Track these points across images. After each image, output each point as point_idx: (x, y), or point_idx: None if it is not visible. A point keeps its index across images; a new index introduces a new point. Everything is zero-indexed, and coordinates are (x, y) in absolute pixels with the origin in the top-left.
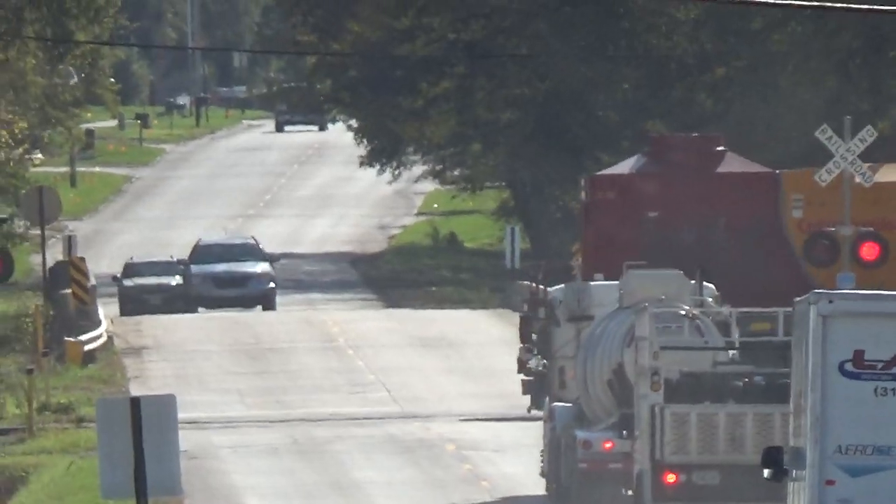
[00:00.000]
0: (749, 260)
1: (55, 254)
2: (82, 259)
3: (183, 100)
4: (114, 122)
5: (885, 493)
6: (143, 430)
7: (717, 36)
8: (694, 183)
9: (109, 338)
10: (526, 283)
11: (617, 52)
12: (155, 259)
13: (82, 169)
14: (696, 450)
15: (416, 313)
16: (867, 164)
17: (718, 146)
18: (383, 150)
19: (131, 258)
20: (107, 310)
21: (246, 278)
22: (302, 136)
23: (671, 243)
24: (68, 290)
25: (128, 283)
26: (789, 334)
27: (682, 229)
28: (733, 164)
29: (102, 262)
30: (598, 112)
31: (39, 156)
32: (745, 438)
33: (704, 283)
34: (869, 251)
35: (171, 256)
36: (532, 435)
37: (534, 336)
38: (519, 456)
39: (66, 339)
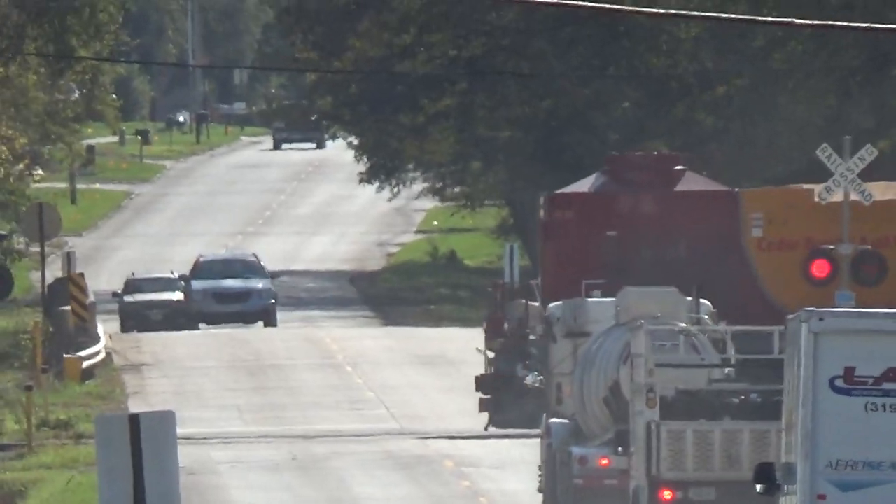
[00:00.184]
0: (708, 278)
1: (55, 270)
2: (81, 275)
3: (183, 116)
4: (114, 139)
5: None
6: (143, 447)
7: (718, 54)
8: (653, 202)
9: (108, 354)
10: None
11: (618, 70)
12: (156, 275)
13: (82, 185)
14: (692, 466)
15: (415, 331)
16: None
17: (677, 165)
18: (383, 167)
19: (132, 274)
20: (106, 326)
21: (247, 294)
22: (301, 153)
23: (630, 262)
24: (67, 307)
25: (128, 299)
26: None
27: (641, 248)
28: (692, 182)
29: (102, 279)
30: (598, 131)
31: (40, 172)
32: (740, 455)
33: (701, 300)
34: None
35: (172, 272)
36: (532, 452)
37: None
38: (518, 472)
39: (65, 355)
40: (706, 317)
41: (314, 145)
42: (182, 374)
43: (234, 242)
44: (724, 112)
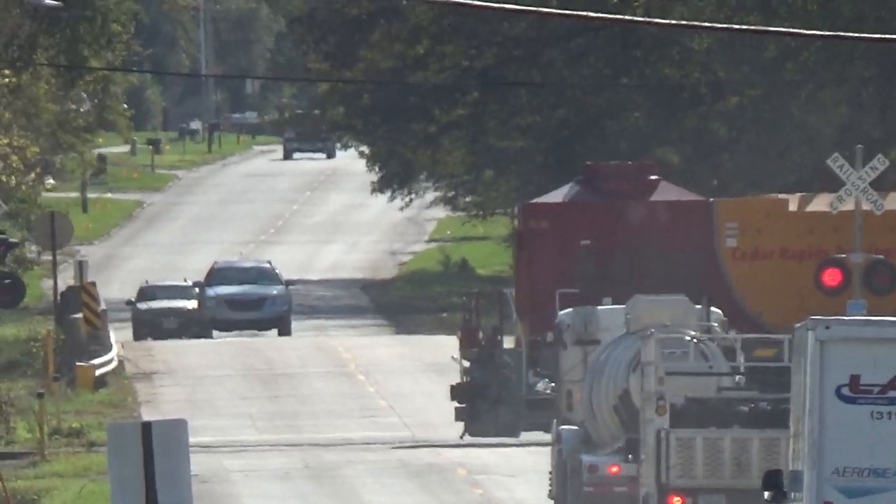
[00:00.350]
0: (682, 288)
1: (66, 279)
2: (93, 284)
3: (195, 125)
4: (126, 148)
5: None
6: (155, 455)
7: (730, 65)
8: (627, 211)
9: (120, 362)
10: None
11: (630, 80)
12: (170, 283)
13: (94, 195)
14: (702, 474)
15: (427, 339)
16: (801, 194)
17: (652, 174)
18: (395, 176)
19: (145, 282)
20: (119, 334)
21: (261, 301)
22: (313, 163)
23: (605, 272)
24: (79, 315)
25: (142, 306)
26: None
27: (616, 258)
28: (667, 192)
29: (113, 287)
30: (610, 140)
31: (51, 181)
32: (750, 463)
33: (711, 308)
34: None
35: (186, 280)
36: (544, 460)
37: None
38: (530, 481)
39: (78, 363)
40: (716, 325)
41: (324, 155)
42: (194, 383)
43: (246, 251)
44: (737, 122)
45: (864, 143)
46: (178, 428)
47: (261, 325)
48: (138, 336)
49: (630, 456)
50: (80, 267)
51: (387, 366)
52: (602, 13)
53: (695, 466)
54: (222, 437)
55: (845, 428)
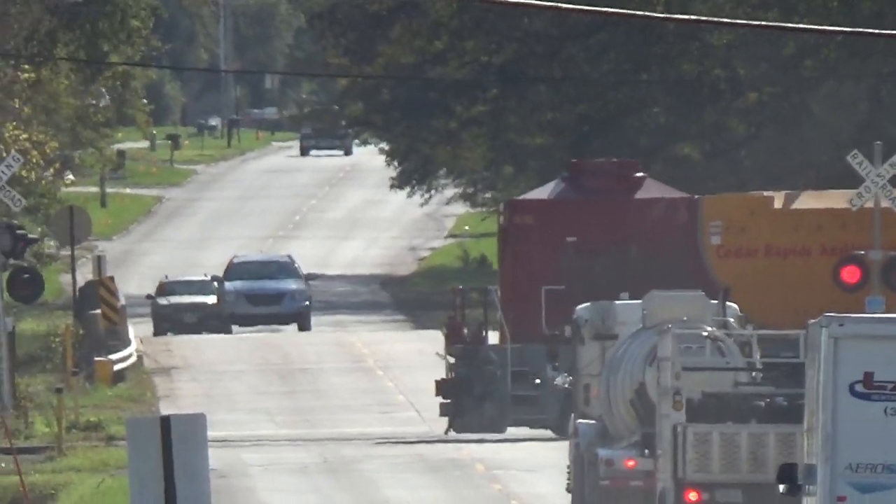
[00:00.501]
0: (666, 285)
1: (85, 274)
2: (112, 279)
3: (214, 121)
4: (145, 143)
5: None
6: (173, 449)
7: (749, 61)
8: (612, 208)
9: (139, 357)
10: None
11: (649, 76)
12: (189, 278)
13: (112, 190)
14: (719, 469)
15: None
16: (786, 192)
17: (637, 172)
18: (414, 172)
19: (165, 277)
20: (139, 329)
21: (280, 296)
22: (332, 159)
23: (589, 268)
24: (98, 310)
25: (162, 301)
26: None
27: (601, 254)
28: (652, 189)
29: (132, 283)
30: (629, 135)
31: (70, 176)
32: (767, 458)
33: (728, 303)
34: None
35: (206, 275)
36: (563, 455)
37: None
38: (549, 476)
39: (96, 358)
40: (732, 320)
41: (342, 152)
42: (212, 378)
43: (265, 247)
44: (756, 118)
45: (884, 140)
46: (196, 422)
47: (280, 320)
48: (158, 331)
49: (646, 450)
50: (99, 262)
51: (405, 361)
52: (622, 9)
53: (711, 461)
54: (240, 432)
55: (859, 424)
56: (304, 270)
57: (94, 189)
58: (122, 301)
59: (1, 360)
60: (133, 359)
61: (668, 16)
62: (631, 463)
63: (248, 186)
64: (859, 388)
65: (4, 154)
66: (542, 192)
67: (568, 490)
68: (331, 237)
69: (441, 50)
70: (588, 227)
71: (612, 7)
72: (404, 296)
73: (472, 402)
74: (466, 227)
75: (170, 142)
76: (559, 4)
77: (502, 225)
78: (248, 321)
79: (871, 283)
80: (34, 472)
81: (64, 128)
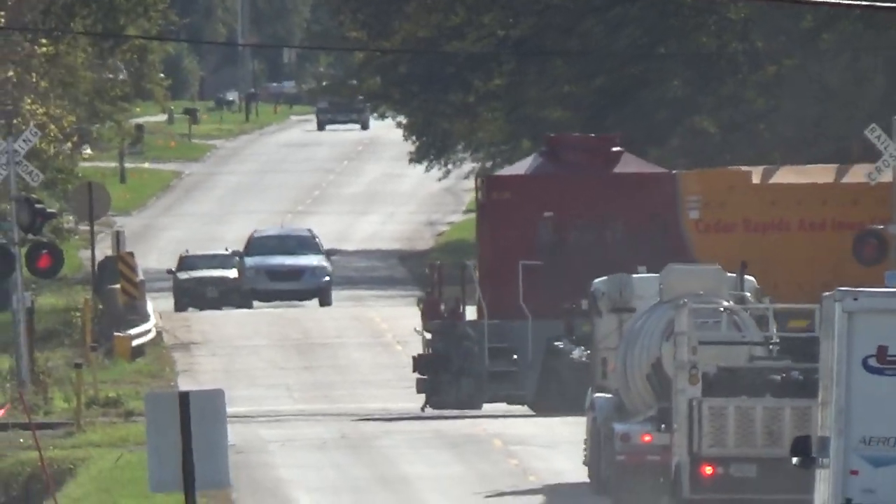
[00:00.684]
0: (645, 260)
1: (104, 249)
2: (131, 254)
3: (232, 95)
4: (163, 117)
5: None
6: (192, 424)
7: (767, 34)
8: (590, 183)
9: (158, 333)
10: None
11: (667, 50)
12: (211, 252)
13: (131, 164)
14: (734, 443)
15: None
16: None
17: (615, 146)
18: (432, 146)
19: (186, 251)
20: (159, 303)
21: (300, 271)
22: (351, 133)
23: (567, 244)
24: (117, 285)
25: (183, 276)
26: None
27: (579, 230)
28: (630, 164)
29: (151, 258)
30: (647, 109)
31: (88, 150)
32: (782, 432)
33: (745, 277)
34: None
35: (227, 249)
36: (581, 431)
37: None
38: (566, 451)
39: (115, 333)
40: (748, 294)
41: (358, 126)
42: (231, 353)
43: (284, 221)
44: (773, 91)
45: None
46: (215, 398)
47: (301, 296)
48: (179, 306)
49: (662, 425)
50: (118, 237)
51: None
52: None
53: (727, 435)
54: (259, 408)
55: (872, 399)
56: (325, 245)
57: (113, 164)
58: (141, 276)
59: (19, 335)
60: (152, 334)
61: None
62: (647, 438)
63: (266, 161)
64: (873, 362)
65: (23, 128)
66: (520, 168)
67: (585, 464)
68: (349, 212)
69: (458, 24)
70: (566, 202)
71: None
72: (423, 271)
73: (450, 377)
74: None
75: (188, 116)
76: None
77: (480, 201)
78: (268, 297)
79: (889, 258)
80: (53, 447)
81: (81, 102)
